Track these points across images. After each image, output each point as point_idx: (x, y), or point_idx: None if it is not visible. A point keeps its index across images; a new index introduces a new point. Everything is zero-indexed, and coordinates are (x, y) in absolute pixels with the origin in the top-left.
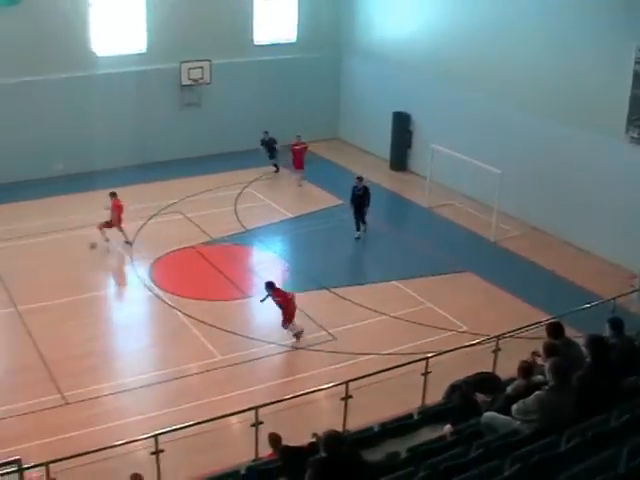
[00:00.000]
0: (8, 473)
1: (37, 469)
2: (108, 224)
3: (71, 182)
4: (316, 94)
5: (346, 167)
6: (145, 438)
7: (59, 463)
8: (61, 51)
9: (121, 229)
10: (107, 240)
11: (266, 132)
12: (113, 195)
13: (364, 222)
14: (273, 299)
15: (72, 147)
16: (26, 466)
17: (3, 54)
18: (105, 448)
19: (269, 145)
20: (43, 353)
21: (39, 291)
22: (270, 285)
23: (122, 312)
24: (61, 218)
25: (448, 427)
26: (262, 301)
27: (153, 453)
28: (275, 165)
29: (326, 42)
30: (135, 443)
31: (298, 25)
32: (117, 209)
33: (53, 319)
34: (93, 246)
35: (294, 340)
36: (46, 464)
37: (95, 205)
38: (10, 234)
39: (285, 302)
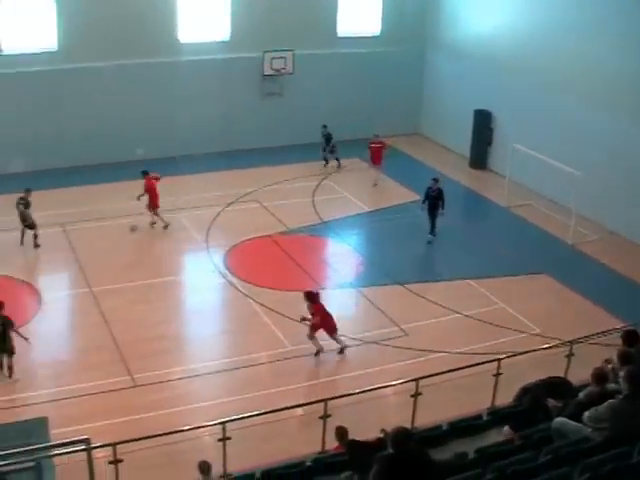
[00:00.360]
0: (76, 451)
1: (104, 449)
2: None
3: (151, 167)
4: (398, 88)
5: (425, 163)
6: (213, 425)
7: (126, 444)
8: (147, 36)
9: (155, 212)
10: (166, 224)
11: (325, 126)
12: (145, 174)
13: (434, 227)
14: (309, 308)
15: (153, 132)
16: (94, 445)
17: (91, 38)
18: (172, 432)
19: (326, 139)
20: (115, 335)
21: (114, 273)
22: (309, 295)
23: (195, 298)
24: (140, 202)
25: (507, 429)
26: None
27: (220, 440)
28: (326, 160)
29: (410, 36)
30: (202, 429)
31: (382, 18)
32: (151, 190)
33: (126, 301)
34: (133, 229)
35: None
36: (113, 445)
37: (174, 190)
38: (88, 216)
39: (318, 315)
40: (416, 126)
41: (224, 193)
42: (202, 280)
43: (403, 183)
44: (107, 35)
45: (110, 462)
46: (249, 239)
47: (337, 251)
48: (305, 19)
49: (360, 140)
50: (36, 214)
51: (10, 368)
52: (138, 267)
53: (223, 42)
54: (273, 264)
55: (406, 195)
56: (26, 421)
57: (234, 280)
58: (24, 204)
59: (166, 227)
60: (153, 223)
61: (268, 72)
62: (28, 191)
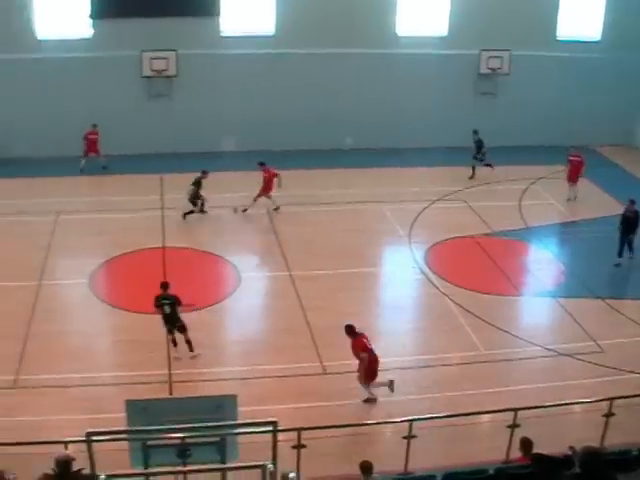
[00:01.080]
0: (263, 432)
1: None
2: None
3: (359, 156)
4: (615, 97)
5: (637, 175)
6: (400, 422)
7: (310, 430)
8: (364, 26)
9: (268, 197)
10: (277, 208)
11: (475, 132)
12: (262, 164)
13: (631, 249)
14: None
15: (364, 122)
16: (280, 428)
17: (308, 24)
18: (358, 425)
19: (477, 146)
20: (309, 320)
21: (315, 259)
22: (348, 329)
23: (392, 291)
24: (346, 190)
25: None
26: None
27: (405, 437)
28: (474, 169)
29: (632, 43)
30: (387, 424)
31: (604, 22)
32: (269, 180)
33: (324, 288)
34: (236, 210)
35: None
36: (299, 430)
37: (381, 181)
38: (294, 200)
39: (362, 353)
40: (631, 137)
41: (431, 189)
42: (401, 274)
43: (612, 194)
44: (325, 23)
45: (293, 447)
46: (452, 238)
47: (538, 258)
48: (525, 19)
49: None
50: (243, 194)
51: (189, 343)
52: (338, 255)
53: (441, 38)
54: (474, 265)
55: (613, 207)
56: (216, 397)
57: (433, 277)
58: (196, 183)
59: (277, 209)
60: (276, 208)
61: (484, 71)
62: (205, 173)
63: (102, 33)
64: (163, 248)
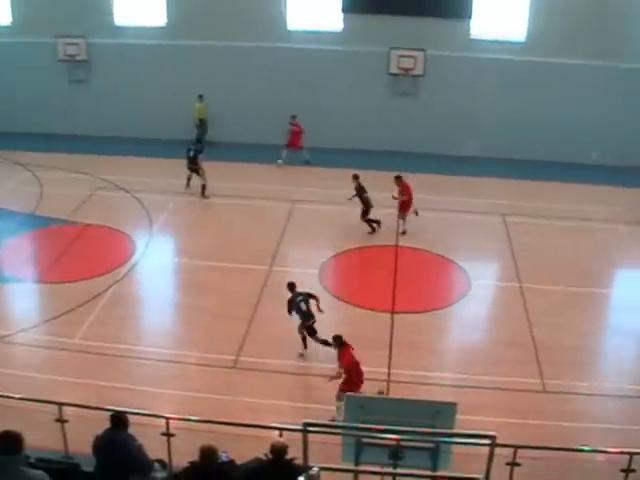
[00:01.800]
0: (479, 445)
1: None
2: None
3: (605, 173)
4: None
5: None
6: (619, 453)
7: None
8: (618, 38)
9: (403, 216)
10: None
11: None
12: (398, 178)
13: None
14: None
15: (610, 137)
16: (498, 443)
17: (559, 31)
18: (573, 450)
19: None
20: (535, 335)
21: (546, 273)
22: (335, 340)
23: (623, 315)
24: (586, 206)
25: None
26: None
27: (623, 470)
28: None
29: None
30: (604, 453)
31: None
32: (409, 194)
33: (554, 304)
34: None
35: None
36: (515, 447)
37: (621, 200)
38: (531, 211)
39: (347, 366)
40: None
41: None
42: (634, 298)
43: None
44: (578, 31)
45: (507, 464)
46: None
47: None
48: None
49: None
50: (476, 200)
51: (325, 343)
52: (571, 272)
53: None
54: None
55: None
56: (436, 403)
57: None
58: (359, 189)
59: (404, 233)
60: (415, 211)
61: None
62: (356, 177)
63: (352, 28)
64: (396, 246)
